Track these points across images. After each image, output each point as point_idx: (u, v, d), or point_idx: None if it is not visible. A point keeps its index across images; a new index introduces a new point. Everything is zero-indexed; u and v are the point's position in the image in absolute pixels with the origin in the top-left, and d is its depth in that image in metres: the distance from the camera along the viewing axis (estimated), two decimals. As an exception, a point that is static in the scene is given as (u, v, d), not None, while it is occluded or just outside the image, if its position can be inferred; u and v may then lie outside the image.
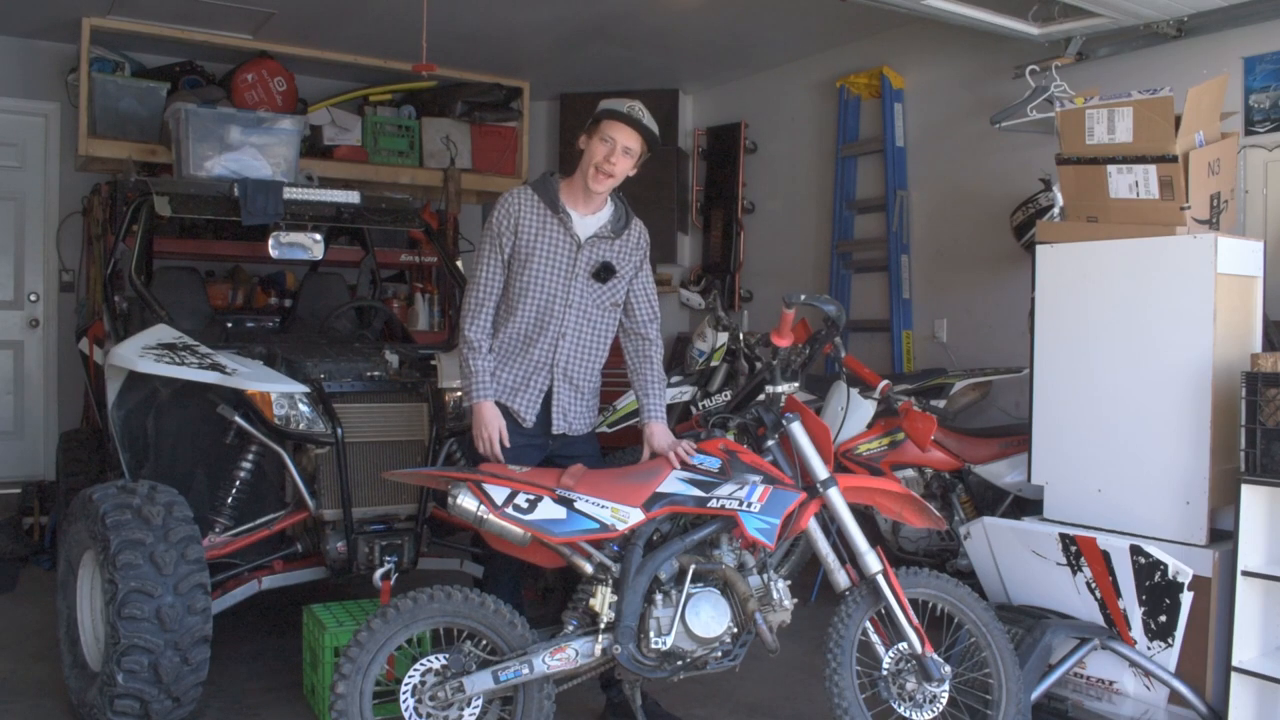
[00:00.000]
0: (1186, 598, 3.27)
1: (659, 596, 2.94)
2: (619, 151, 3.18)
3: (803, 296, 3.14)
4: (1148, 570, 3.33)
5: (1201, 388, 3.32)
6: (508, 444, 3.24)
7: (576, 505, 2.92)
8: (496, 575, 3.39)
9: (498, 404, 3.27)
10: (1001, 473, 4.42)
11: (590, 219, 3.30)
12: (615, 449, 4.54)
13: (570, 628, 2.97)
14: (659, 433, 3.30)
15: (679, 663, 2.95)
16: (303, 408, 3.61)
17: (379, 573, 3.53)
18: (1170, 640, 3.32)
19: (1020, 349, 4.43)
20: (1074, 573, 3.51)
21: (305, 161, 5.62)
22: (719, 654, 2.99)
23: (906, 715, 2.99)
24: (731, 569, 3.01)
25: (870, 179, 6.16)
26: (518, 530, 2.91)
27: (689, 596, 2.94)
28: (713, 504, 2.94)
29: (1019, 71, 4.84)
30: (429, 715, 2.79)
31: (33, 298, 6.46)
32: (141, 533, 3.11)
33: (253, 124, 4.87)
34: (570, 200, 3.29)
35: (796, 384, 3.19)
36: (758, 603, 2.98)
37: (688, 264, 7.54)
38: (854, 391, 4.40)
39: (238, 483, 3.73)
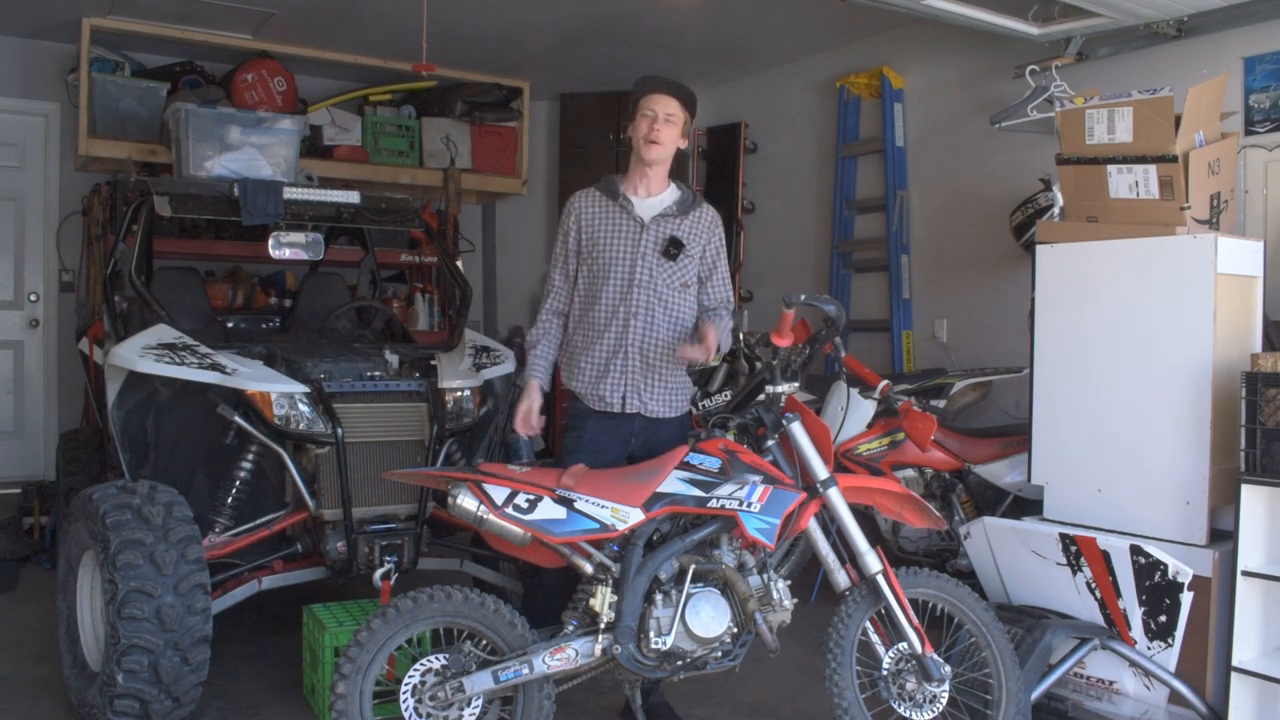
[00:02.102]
0: (1186, 598, 3.27)
1: (659, 596, 2.94)
2: (661, 120, 3.32)
3: (803, 296, 3.13)
4: (1148, 570, 3.33)
5: (1201, 388, 3.32)
6: (535, 426, 3.40)
7: (576, 505, 2.92)
8: (536, 593, 3.42)
9: (575, 393, 3.42)
10: (1001, 473, 4.42)
11: (652, 201, 3.40)
12: None
13: (570, 628, 2.97)
14: (710, 328, 3.30)
15: (679, 663, 2.95)
16: (303, 408, 3.61)
17: (379, 573, 3.53)
18: (1170, 640, 3.32)
19: (1020, 349, 4.43)
20: (1074, 573, 3.51)
21: (305, 161, 5.62)
22: (719, 654, 2.99)
23: (906, 715, 2.99)
24: (731, 569, 3.01)
25: (870, 179, 6.16)
26: (518, 530, 2.91)
27: (689, 596, 2.94)
28: (713, 504, 2.94)
29: (1019, 71, 4.84)
30: (429, 715, 2.79)
31: (33, 298, 6.46)
32: (141, 533, 3.11)
33: (253, 124, 4.87)
34: (629, 187, 3.41)
35: (796, 384, 3.19)
36: (758, 603, 2.98)
37: (688, 264, 7.52)
38: (854, 391, 4.40)
39: (238, 483, 3.73)
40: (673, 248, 3.34)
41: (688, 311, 3.42)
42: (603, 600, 2.92)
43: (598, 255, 3.37)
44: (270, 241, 4.26)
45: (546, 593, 3.33)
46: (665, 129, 3.32)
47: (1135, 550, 3.35)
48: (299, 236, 4.31)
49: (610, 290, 3.35)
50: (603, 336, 3.36)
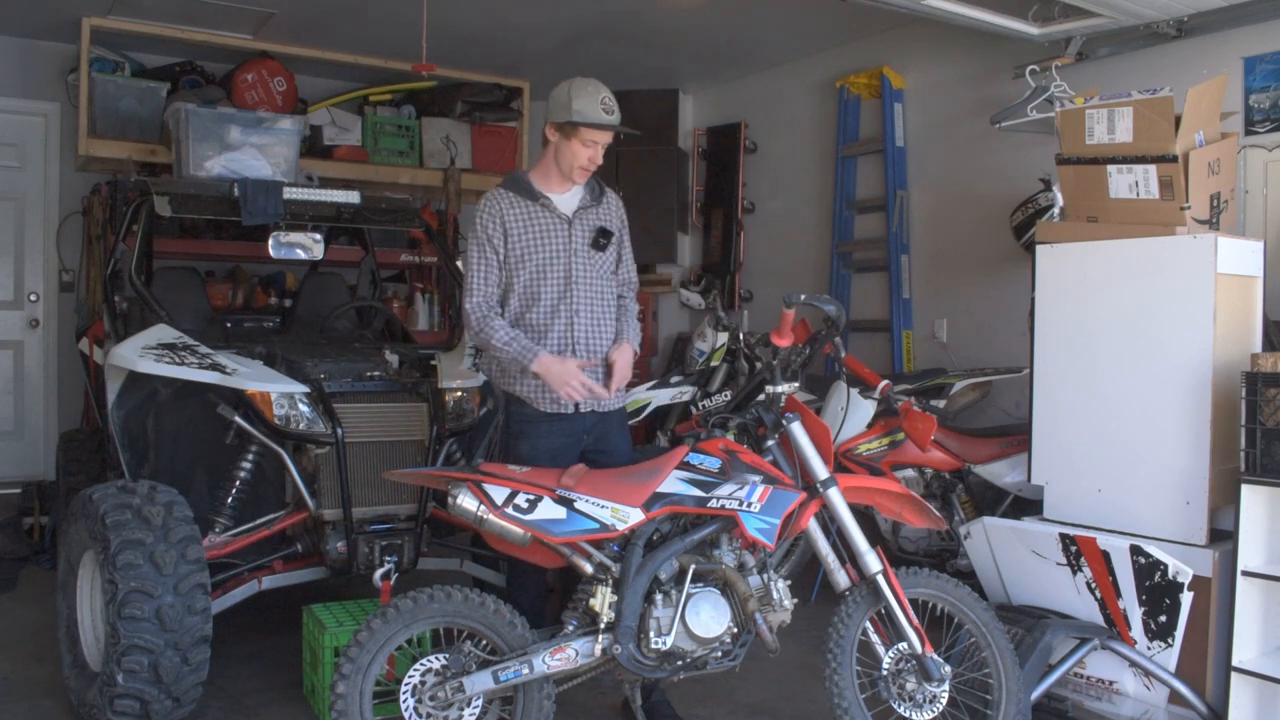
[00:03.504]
0: (1186, 598, 3.27)
1: (659, 596, 2.94)
2: (600, 150, 3.37)
3: (803, 296, 3.14)
4: (1148, 570, 3.33)
5: (1201, 388, 3.32)
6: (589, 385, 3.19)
7: (576, 505, 2.93)
8: (520, 583, 3.41)
9: (520, 399, 3.32)
10: (1001, 473, 4.42)
11: (567, 196, 3.42)
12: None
13: (570, 628, 2.97)
14: (623, 348, 3.36)
15: (679, 663, 2.95)
16: (303, 408, 3.61)
17: (379, 573, 3.53)
18: (1170, 640, 3.32)
19: (1020, 349, 4.43)
20: (1074, 573, 3.51)
21: (305, 161, 5.62)
22: (719, 654, 2.99)
23: (906, 715, 2.99)
24: (731, 569, 3.01)
25: (870, 179, 6.16)
26: (518, 530, 2.91)
27: (689, 596, 2.94)
28: (713, 504, 2.94)
29: (1019, 71, 4.84)
30: (429, 715, 2.79)
31: (33, 298, 6.46)
32: (141, 533, 3.11)
33: (253, 124, 4.87)
34: (545, 185, 3.41)
35: (796, 384, 3.19)
36: (758, 603, 2.98)
37: (688, 264, 7.54)
38: (854, 391, 4.40)
39: (238, 483, 3.73)
40: (601, 238, 3.39)
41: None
42: (603, 600, 2.92)
43: (530, 258, 3.31)
44: (270, 241, 4.27)
45: (530, 599, 3.32)
46: (599, 155, 3.38)
47: (1135, 550, 3.35)
48: (299, 236, 4.31)
49: (549, 290, 3.31)
50: (546, 337, 3.30)
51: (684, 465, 3.05)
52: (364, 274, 5.46)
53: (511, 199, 3.35)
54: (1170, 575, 3.29)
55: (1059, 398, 3.69)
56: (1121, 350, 3.52)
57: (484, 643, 2.88)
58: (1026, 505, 4.11)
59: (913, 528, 4.13)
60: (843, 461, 4.37)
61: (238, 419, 3.60)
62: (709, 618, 2.94)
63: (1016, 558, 3.67)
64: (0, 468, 6.28)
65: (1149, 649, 3.37)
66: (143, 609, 3.03)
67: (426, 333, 5.91)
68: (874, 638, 3.04)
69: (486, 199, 3.37)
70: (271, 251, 4.27)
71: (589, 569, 2.97)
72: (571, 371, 3.17)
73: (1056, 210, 4.03)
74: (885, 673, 3.02)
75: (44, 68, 6.31)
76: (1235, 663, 3.16)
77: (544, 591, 3.45)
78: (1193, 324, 3.34)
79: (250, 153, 4.79)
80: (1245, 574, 3.16)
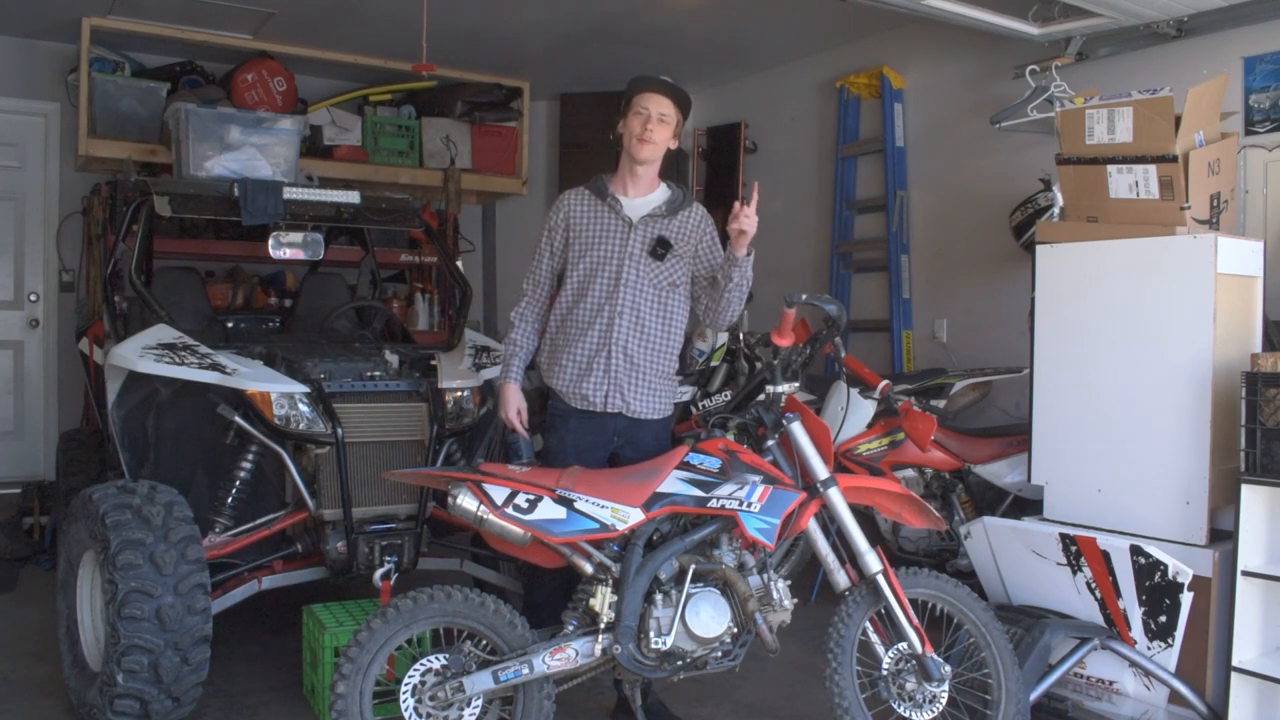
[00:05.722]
0: (1186, 598, 3.27)
1: (659, 596, 2.95)
2: (654, 119, 3.30)
3: (804, 296, 3.13)
4: (1148, 570, 3.33)
5: (1201, 388, 3.32)
6: (525, 423, 3.40)
7: (576, 505, 2.92)
8: (539, 581, 3.40)
9: (556, 392, 3.41)
10: (1001, 473, 4.42)
11: (640, 201, 3.38)
12: None
13: (570, 628, 2.97)
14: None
15: (679, 663, 2.95)
16: (303, 408, 3.61)
17: (379, 573, 3.53)
18: (1170, 640, 3.32)
19: (1020, 349, 4.43)
20: (1074, 573, 3.51)
21: (305, 161, 5.62)
22: (719, 654, 2.99)
23: (906, 715, 2.99)
24: (731, 569, 3.01)
25: (870, 179, 6.16)
26: (518, 530, 2.91)
27: (689, 596, 2.94)
28: (713, 504, 2.94)
29: (1019, 71, 4.84)
30: (429, 715, 2.79)
31: (33, 298, 6.46)
32: (141, 533, 3.11)
33: (253, 124, 4.87)
34: (618, 187, 3.40)
35: (796, 384, 3.19)
36: (758, 603, 2.98)
37: (688, 264, 7.52)
38: (854, 391, 4.40)
39: (238, 483, 3.73)
40: (660, 248, 3.33)
41: (677, 311, 3.40)
42: (603, 600, 2.92)
43: (586, 255, 3.35)
44: (270, 241, 4.26)
45: (546, 594, 3.33)
46: (658, 129, 3.30)
47: (1135, 550, 3.35)
48: (299, 236, 4.31)
49: (597, 289, 3.32)
50: (586, 335, 3.33)
51: (684, 465, 3.04)
52: (364, 274, 5.46)
53: (584, 195, 3.41)
54: (1170, 575, 3.29)
55: (1059, 398, 3.69)
56: (1121, 350, 3.52)
57: (484, 643, 2.88)
58: (1026, 505, 4.11)
59: (913, 528, 4.13)
60: (843, 461, 4.37)
61: (238, 419, 3.60)
62: (709, 618, 2.94)
63: (1016, 558, 3.67)
64: (0, 468, 6.28)
65: (1149, 649, 3.37)
66: (143, 609, 3.03)
67: (426, 333, 5.91)
68: (874, 638, 3.05)
69: (562, 196, 3.48)
70: (271, 251, 4.27)
71: (589, 569, 2.97)
72: (509, 405, 3.40)
73: (1056, 210, 4.03)
74: (885, 673, 3.02)
75: (44, 68, 6.31)
76: (1235, 663, 3.16)
77: (563, 590, 3.44)
78: (1193, 324, 3.34)
79: (250, 153, 4.78)
80: (1245, 574, 3.16)
